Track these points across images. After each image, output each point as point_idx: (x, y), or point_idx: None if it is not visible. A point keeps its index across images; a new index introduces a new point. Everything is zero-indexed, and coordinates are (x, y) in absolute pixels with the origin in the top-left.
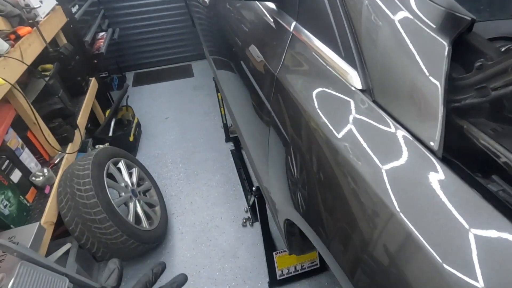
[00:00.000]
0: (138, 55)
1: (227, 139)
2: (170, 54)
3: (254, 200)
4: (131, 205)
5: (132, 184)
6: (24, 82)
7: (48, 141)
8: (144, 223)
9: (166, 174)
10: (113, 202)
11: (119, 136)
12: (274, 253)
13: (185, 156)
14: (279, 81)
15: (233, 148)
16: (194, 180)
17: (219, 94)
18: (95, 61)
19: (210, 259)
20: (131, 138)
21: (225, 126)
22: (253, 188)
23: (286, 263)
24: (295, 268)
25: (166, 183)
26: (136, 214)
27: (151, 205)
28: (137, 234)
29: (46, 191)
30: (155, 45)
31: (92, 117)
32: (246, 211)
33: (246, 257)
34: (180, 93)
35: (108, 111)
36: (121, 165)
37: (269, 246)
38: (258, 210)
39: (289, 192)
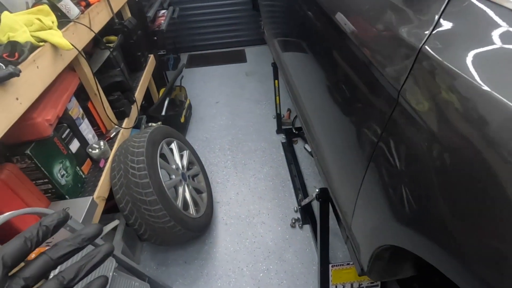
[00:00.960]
0: (194, 37)
1: (279, 131)
2: (224, 38)
3: (309, 202)
4: (180, 189)
5: (183, 167)
6: (89, 52)
7: (106, 114)
8: (192, 210)
9: (214, 160)
10: (164, 185)
11: (171, 116)
12: (330, 265)
13: (234, 143)
14: (428, 57)
15: (284, 140)
16: (241, 170)
17: (276, 81)
18: (155, 38)
19: (255, 257)
20: (182, 119)
21: (278, 117)
22: (317, 190)
23: (342, 278)
24: (352, 286)
25: (213, 170)
26: (184, 199)
27: (198, 191)
28: (184, 221)
29: (101, 164)
30: (211, 27)
31: (147, 94)
32: (296, 211)
33: (294, 262)
34: (232, 78)
35: (162, 90)
36: (174, 146)
37: (325, 256)
38: (320, 215)
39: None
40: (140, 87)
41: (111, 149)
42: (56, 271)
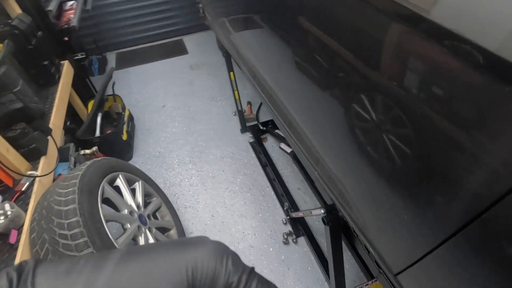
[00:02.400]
0: (119, 31)
1: (243, 129)
2: (156, 28)
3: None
4: (141, 239)
5: (138, 206)
6: None
7: (8, 159)
8: None
9: (175, 179)
10: (117, 246)
11: (109, 135)
12: None
13: (195, 153)
14: None
15: (252, 139)
16: (211, 186)
17: (231, 73)
18: (66, 38)
19: None
20: (125, 137)
21: (240, 114)
22: (322, 212)
23: None
24: None
25: (177, 192)
26: None
27: (164, 229)
28: None
29: (12, 239)
30: (138, 17)
31: (71, 113)
32: (285, 223)
33: (297, 287)
34: (175, 74)
35: (91, 103)
36: (120, 182)
37: (341, 283)
38: (332, 241)
39: None
40: (56, 107)
41: (26, 211)
42: None
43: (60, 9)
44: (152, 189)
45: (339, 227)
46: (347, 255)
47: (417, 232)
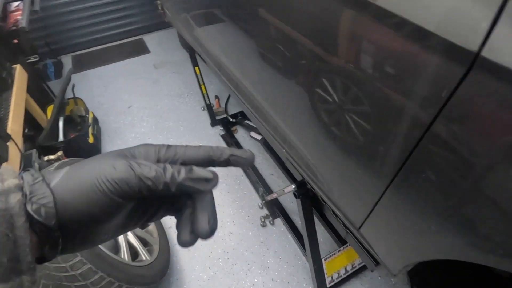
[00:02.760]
0: (73, 32)
1: (213, 123)
2: (113, 28)
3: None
4: (120, 236)
5: None
6: None
7: None
8: (143, 254)
9: None
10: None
11: (75, 139)
12: (323, 259)
13: None
14: None
15: (223, 132)
16: None
17: (196, 68)
18: (16, 41)
19: (234, 276)
20: (91, 139)
21: (209, 108)
22: (293, 187)
23: (336, 266)
24: (346, 269)
25: None
26: (129, 247)
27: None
28: (139, 275)
29: None
30: (93, 17)
31: (29, 119)
32: (261, 207)
33: (277, 265)
34: (139, 74)
35: (50, 108)
36: None
37: (317, 254)
38: (304, 215)
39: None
40: (13, 113)
41: None
42: None
43: (5, 10)
44: None
45: (309, 198)
46: (320, 229)
47: (368, 183)
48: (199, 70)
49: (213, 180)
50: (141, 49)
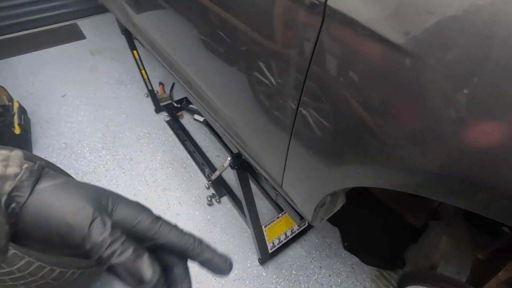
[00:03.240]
0: None
1: (158, 109)
2: (42, 11)
3: (220, 174)
4: None
5: None
6: None
7: None
8: None
9: (87, 167)
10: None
11: None
12: (263, 226)
13: (107, 139)
14: None
15: (168, 118)
16: (129, 167)
17: (135, 51)
18: None
19: None
20: (17, 130)
21: (152, 94)
22: (229, 159)
23: (276, 232)
24: (286, 234)
25: (92, 179)
26: None
27: None
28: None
29: None
30: None
31: None
32: (208, 187)
33: (225, 239)
34: (73, 61)
35: None
36: None
37: (256, 222)
38: (241, 184)
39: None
40: None
41: None
42: None
43: None
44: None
45: (244, 168)
46: (264, 202)
47: (277, 140)
48: (138, 54)
49: (147, 285)
50: (75, 34)
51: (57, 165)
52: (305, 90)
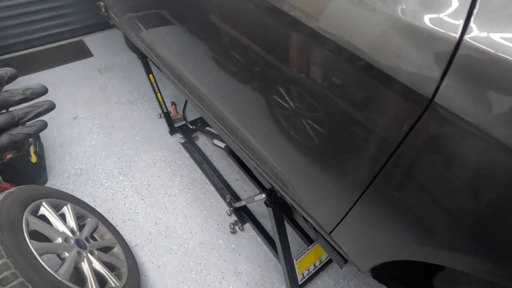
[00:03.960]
0: None
1: (172, 131)
2: (47, 29)
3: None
4: (85, 265)
5: (73, 231)
6: None
7: None
8: (112, 280)
9: (105, 194)
10: (59, 278)
11: (14, 160)
12: (294, 259)
13: (123, 164)
14: None
15: (183, 140)
16: (148, 194)
17: (151, 76)
18: None
19: (209, 286)
20: (34, 158)
21: (166, 116)
22: (263, 196)
23: (306, 264)
24: (314, 265)
25: (111, 207)
26: (96, 275)
27: (107, 249)
28: None
29: None
30: (20, 16)
31: None
32: (230, 214)
33: (251, 269)
34: (82, 80)
35: None
36: (45, 210)
37: (289, 257)
38: (276, 223)
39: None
40: None
41: None
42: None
43: None
44: (84, 210)
45: (279, 206)
46: (288, 229)
47: (339, 196)
48: (154, 78)
49: None
50: (82, 52)
51: (74, 193)
52: (394, 157)
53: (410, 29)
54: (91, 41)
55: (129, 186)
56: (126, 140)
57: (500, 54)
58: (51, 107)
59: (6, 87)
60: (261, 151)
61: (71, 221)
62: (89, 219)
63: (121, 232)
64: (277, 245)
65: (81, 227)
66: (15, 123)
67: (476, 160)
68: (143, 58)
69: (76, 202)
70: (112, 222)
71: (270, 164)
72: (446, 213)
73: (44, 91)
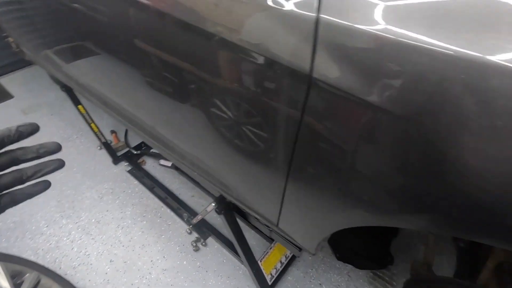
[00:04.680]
0: None
1: (116, 160)
2: None
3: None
4: None
5: None
6: None
7: None
8: None
9: (48, 244)
10: None
11: None
12: (259, 261)
13: (65, 206)
14: None
15: (130, 167)
16: (98, 232)
17: (80, 106)
18: None
19: None
20: None
21: (107, 146)
22: (213, 204)
23: (272, 263)
24: (281, 262)
25: (56, 256)
26: None
27: None
28: None
29: None
30: None
31: None
32: (190, 233)
33: (220, 282)
34: (3, 125)
35: None
36: None
37: (252, 260)
38: (232, 228)
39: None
40: None
41: None
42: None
43: None
44: (20, 266)
45: (231, 211)
46: (250, 233)
47: (271, 185)
48: (84, 109)
49: None
50: (1, 94)
51: (9, 250)
52: (300, 140)
53: (279, 14)
54: (9, 81)
55: (75, 228)
56: (66, 180)
57: (354, 25)
58: (60, 166)
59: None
60: (202, 161)
61: (3, 281)
62: (27, 275)
63: (72, 280)
64: (238, 250)
65: (18, 285)
66: (22, 181)
67: (362, 124)
68: (68, 90)
69: (9, 259)
70: (60, 271)
71: (210, 171)
72: (357, 178)
73: (58, 149)
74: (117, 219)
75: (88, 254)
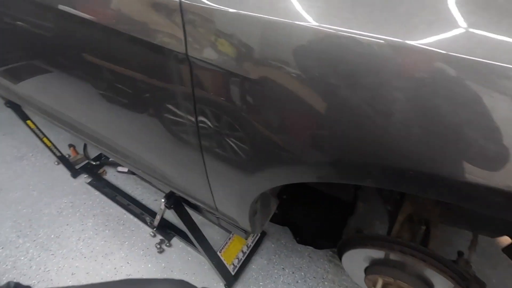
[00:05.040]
0: None
1: (75, 174)
2: None
3: (162, 216)
4: None
5: None
6: None
7: None
8: None
9: (4, 265)
10: None
11: None
12: (218, 253)
13: (21, 225)
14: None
15: (90, 179)
16: (57, 246)
17: (29, 122)
18: None
19: None
20: None
21: (63, 159)
22: (163, 200)
23: (233, 253)
24: (242, 251)
25: (14, 277)
26: None
27: None
28: None
29: None
30: None
31: None
32: (154, 235)
33: (186, 280)
34: None
35: None
36: None
37: (210, 251)
38: (183, 221)
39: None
40: None
41: None
42: None
43: None
44: None
45: (181, 204)
46: (214, 230)
47: (194, 167)
48: (34, 124)
49: None
50: None
51: None
52: (198, 113)
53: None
54: None
55: (33, 246)
56: (21, 199)
57: (212, 5)
58: None
59: None
60: (137, 155)
61: None
62: None
63: None
64: (195, 243)
65: None
66: None
67: (232, 90)
68: (13, 106)
69: None
70: None
71: (148, 165)
72: (252, 139)
73: None
74: (78, 231)
75: (48, 270)
